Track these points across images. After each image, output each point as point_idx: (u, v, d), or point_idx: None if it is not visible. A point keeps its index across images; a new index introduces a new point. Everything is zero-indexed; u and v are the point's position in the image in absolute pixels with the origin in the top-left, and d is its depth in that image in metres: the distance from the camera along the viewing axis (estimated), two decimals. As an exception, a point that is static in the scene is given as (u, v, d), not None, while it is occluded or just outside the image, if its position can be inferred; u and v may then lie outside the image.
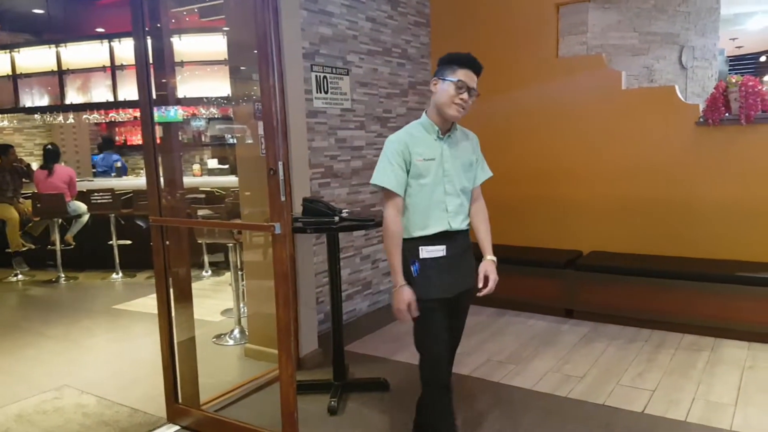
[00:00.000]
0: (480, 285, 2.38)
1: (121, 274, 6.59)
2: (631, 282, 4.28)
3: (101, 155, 9.19)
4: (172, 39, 3.29)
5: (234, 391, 3.39)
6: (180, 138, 3.17)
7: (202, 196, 6.32)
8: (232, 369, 3.83)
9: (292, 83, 3.66)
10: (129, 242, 6.69)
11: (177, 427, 3.00)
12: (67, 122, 9.30)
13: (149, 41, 2.86)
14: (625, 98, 4.69)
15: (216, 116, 8.59)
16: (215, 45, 7.13)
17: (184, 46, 7.22)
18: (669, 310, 4.14)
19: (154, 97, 2.89)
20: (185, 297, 3.08)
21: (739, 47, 12.63)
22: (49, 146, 6.98)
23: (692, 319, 4.07)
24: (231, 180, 6.76)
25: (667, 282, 4.14)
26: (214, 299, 5.45)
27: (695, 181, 4.43)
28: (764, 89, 4.28)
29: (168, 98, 2.99)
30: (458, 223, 2.33)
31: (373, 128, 4.82)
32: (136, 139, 10.39)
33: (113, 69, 7.87)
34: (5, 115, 9.01)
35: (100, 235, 6.75)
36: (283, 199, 2.35)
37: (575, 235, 4.94)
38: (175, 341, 2.99)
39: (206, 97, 7.66)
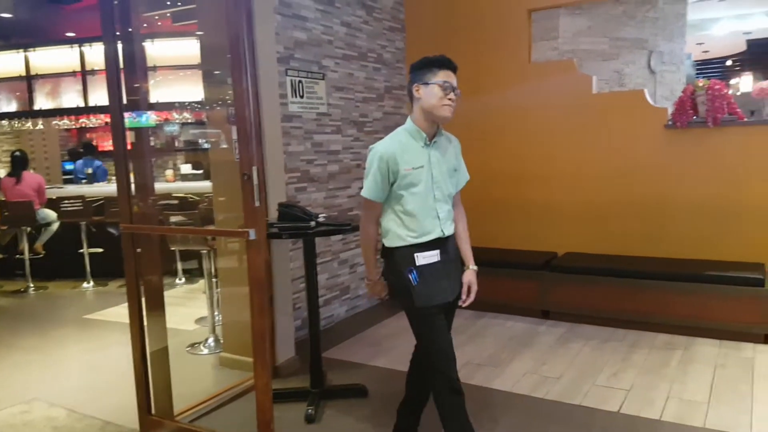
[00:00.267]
0: (464, 296, 2.42)
1: (92, 283, 6.46)
2: (606, 283, 4.33)
3: (80, 161, 9.01)
4: (144, 43, 3.24)
5: (209, 401, 3.34)
6: (153, 143, 3.13)
7: (176, 202, 6.23)
8: (206, 378, 3.77)
9: (266, 87, 3.63)
10: (100, 250, 6.56)
11: (151, 439, 2.95)
12: (36, 128, 9.11)
13: (120, 45, 2.82)
14: (596, 102, 4.76)
15: (190, 121, 8.50)
16: (189, 49, 7.06)
17: (157, 50, 7.13)
18: (643, 310, 4.20)
19: (125, 101, 2.84)
20: (158, 305, 3.02)
21: (705, 52, 12.95)
22: (17, 153, 6.81)
23: (665, 319, 4.14)
24: (205, 185, 6.68)
25: (641, 282, 4.21)
26: (188, 307, 5.37)
27: (666, 183, 4.51)
28: (730, 93, 4.39)
29: (140, 103, 2.94)
30: (448, 229, 2.38)
31: (350, 132, 4.81)
32: (108, 144, 10.21)
33: (84, 74, 7.76)
34: (-29, 121, 8.80)
35: (71, 243, 6.61)
36: (257, 204, 2.33)
37: (550, 237, 4.99)
38: (148, 351, 2.93)
39: (180, 102, 7.58)
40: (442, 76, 2.24)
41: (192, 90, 7.20)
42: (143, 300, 2.92)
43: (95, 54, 7.55)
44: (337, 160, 4.67)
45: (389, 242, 2.35)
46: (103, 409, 3.29)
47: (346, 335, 4.40)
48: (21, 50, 7.84)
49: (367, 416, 3.11)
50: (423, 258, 2.30)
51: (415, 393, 2.61)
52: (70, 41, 7.81)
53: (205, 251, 4.33)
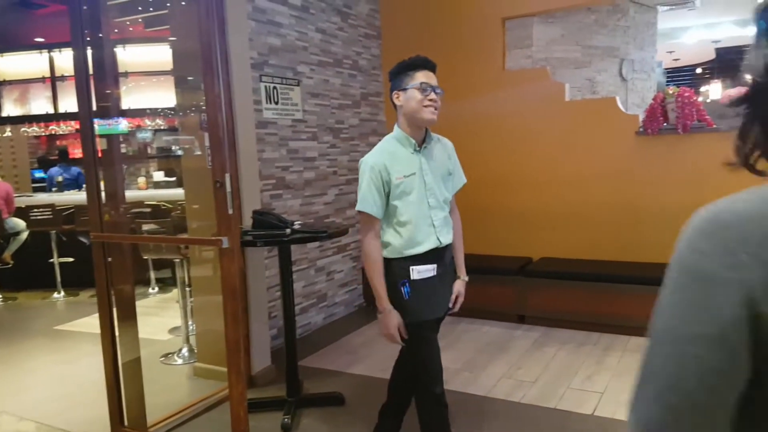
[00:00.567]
0: (450, 304, 2.40)
1: (63, 293, 6.32)
2: (580, 287, 4.38)
3: (55, 168, 8.80)
4: (115, 49, 3.20)
5: (183, 411, 3.28)
6: (125, 150, 3.08)
7: (148, 210, 6.14)
8: (180, 389, 3.71)
9: (240, 94, 3.61)
10: (71, 260, 6.42)
11: (123, 452, 2.89)
12: (4, 135, 8.90)
13: (90, 51, 2.77)
14: (569, 109, 4.83)
15: (162, 127, 8.40)
16: (161, 55, 6.99)
17: (129, 56, 7.04)
18: (616, 314, 4.26)
19: (94, 108, 2.80)
20: (130, 315, 2.97)
21: (676, 60, 13.22)
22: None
23: (638, 322, 4.19)
24: (178, 193, 6.59)
25: (614, 286, 4.26)
26: (161, 317, 5.28)
27: (638, 189, 4.58)
28: (699, 100, 4.48)
29: (111, 109, 2.90)
30: (445, 237, 2.31)
31: (326, 139, 4.80)
32: (78, 152, 10.03)
33: (53, 80, 7.62)
34: (-64, 128, 8.57)
35: (41, 252, 6.46)
36: (230, 211, 2.31)
37: (524, 242, 5.04)
38: (120, 362, 2.88)
39: (152, 108, 7.48)
40: (420, 77, 2.17)
41: (165, 96, 7.12)
42: (115, 310, 2.87)
43: (65, 60, 7.43)
44: (313, 166, 4.66)
45: (385, 254, 2.26)
46: (73, 422, 3.22)
47: (322, 343, 4.37)
48: (-12, 56, 7.70)
49: (344, 424, 3.09)
50: (418, 273, 2.22)
51: (398, 398, 2.61)
52: (39, 46, 7.68)
53: (178, 260, 4.27)
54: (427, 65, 2.21)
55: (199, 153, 3.69)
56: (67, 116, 7.81)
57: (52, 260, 6.28)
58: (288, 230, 3.09)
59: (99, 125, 2.82)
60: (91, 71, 2.79)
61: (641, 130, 4.53)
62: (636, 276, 4.24)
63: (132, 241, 3.51)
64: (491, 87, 5.08)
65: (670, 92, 4.38)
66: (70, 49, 2.91)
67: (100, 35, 2.85)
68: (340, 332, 4.58)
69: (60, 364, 4.25)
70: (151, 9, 5.61)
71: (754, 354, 0.59)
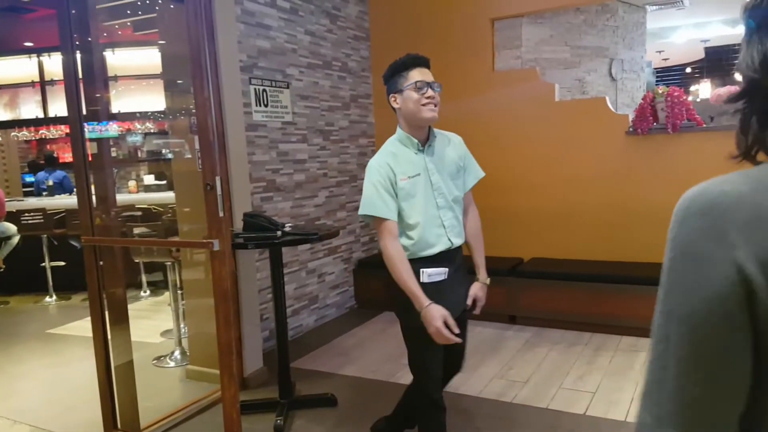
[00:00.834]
0: (466, 307, 2.32)
1: (55, 297, 6.29)
2: (571, 287, 4.40)
3: (42, 173, 8.77)
4: (104, 53, 3.19)
5: (176, 414, 3.28)
6: (115, 154, 3.08)
7: (139, 213, 6.13)
8: (173, 391, 3.71)
9: (229, 96, 3.61)
10: (63, 263, 6.40)
11: (115, 456, 2.88)
12: (-6, 140, 8.87)
13: (79, 55, 2.77)
14: (559, 110, 4.85)
15: (152, 131, 8.37)
16: (150, 58, 6.97)
17: (118, 59, 7.02)
18: (608, 313, 4.28)
19: (84, 112, 2.80)
20: (122, 319, 2.97)
21: (665, 59, 13.30)
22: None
23: (629, 322, 4.22)
24: (168, 196, 6.58)
25: (606, 286, 4.29)
26: (153, 320, 5.27)
27: (628, 189, 4.61)
28: (689, 99, 4.52)
29: (101, 113, 2.90)
30: (456, 238, 2.24)
31: (316, 141, 4.81)
32: (69, 156, 9.98)
33: (43, 84, 7.59)
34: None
35: (32, 256, 6.43)
36: (221, 214, 2.31)
37: (515, 242, 5.06)
38: (113, 365, 2.89)
39: (142, 112, 7.47)
40: (415, 75, 2.11)
41: (154, 99, 7.10)
42: (107, 313, 2.87)
43: (54, 64, 7.40)
44: (303, 169, 4.66)
45: None
46: (67, 425, 3.21)
47: (314, 345, 4.38)
48: (-23, 60, 7.66)
49: (337, 425, 3.10)
50: (428, 276, 2.15)
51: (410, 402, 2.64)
52: (28, 51, 7.64)
53: (169, 263, 4.26)
54: (420, 62, 2.16)
55: (189, 156, 3.69)
56: (57, 120, 7.77)
57: (43, 264, 6.26)
58: (279, 232, 3.09)
59: (91, 132, 2.82)
60: (80, 75, 2.79)
61: (631, 129, 4.56)
62: (627, 276, 4.26)
63: (123, 244, 3.51)
64: (481, 88, 5.10)
65: (660, 92, 4.41)
66: (59, 53, 2.91)
67: (89, 39, 2.85)
68: (331, 334, 4.58)
69: (53, 368, 4.23)
70: (139, 12, 5.59)
71: (753, 329, 0.61)
